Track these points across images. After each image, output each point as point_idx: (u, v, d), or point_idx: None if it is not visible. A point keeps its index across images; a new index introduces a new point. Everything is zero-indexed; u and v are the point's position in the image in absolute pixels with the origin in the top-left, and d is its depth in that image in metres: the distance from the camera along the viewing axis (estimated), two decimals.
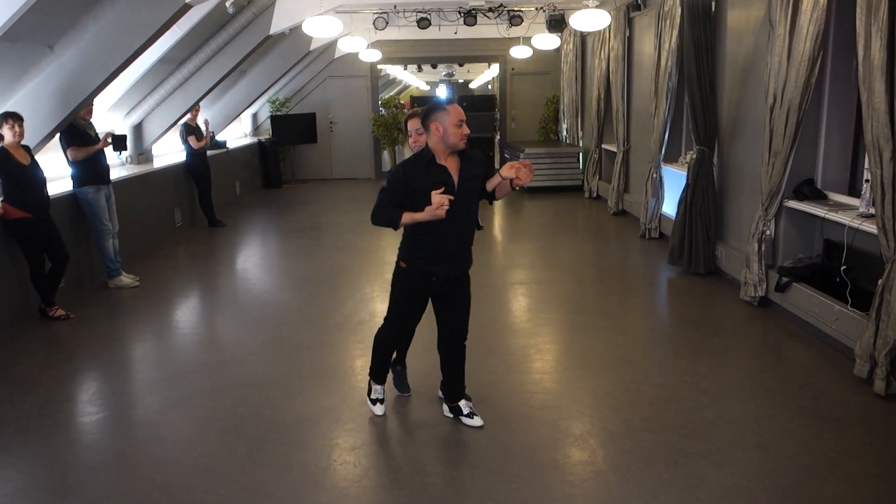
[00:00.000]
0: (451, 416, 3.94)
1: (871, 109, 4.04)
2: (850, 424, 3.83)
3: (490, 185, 3.64)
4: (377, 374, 3.99)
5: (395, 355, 4.14)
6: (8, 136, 5.45)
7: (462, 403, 3.91)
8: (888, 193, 3.98)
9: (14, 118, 5.47)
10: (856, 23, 4.14)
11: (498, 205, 11.91)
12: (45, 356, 5.12)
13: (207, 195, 9.79)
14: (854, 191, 5.29)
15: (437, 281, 3.65)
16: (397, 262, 3.72)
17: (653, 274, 7.15)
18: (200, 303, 6.77)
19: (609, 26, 9.49)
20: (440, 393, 4.08)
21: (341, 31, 9.21)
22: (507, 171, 3.49)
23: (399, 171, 3.52)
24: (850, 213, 4.81)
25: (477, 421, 3.86)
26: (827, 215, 5.00)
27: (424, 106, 3.70)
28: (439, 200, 3.36)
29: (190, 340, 5.54)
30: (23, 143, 5.63)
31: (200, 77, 9.09)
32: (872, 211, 4.39)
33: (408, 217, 3.45)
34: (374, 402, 4.00)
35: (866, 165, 4.49)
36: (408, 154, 3.82)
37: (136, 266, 7.38)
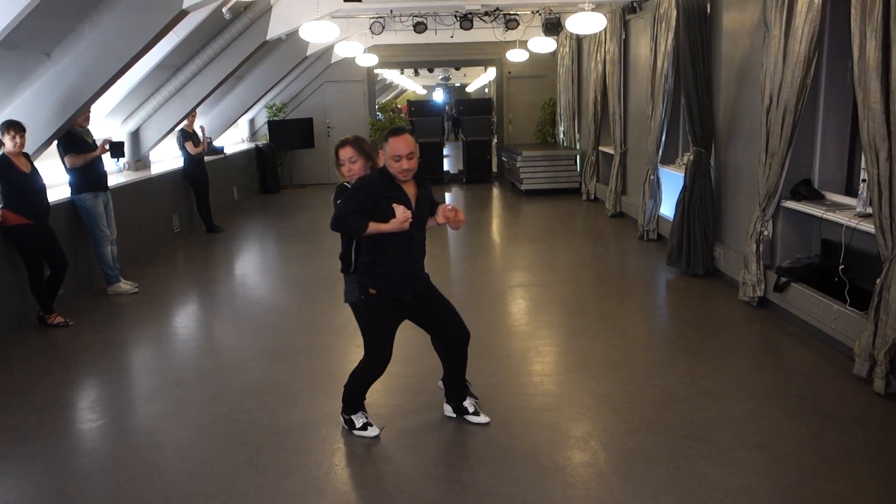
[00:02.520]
0: (455, 415, 3.95)
1: (867, 109, 4.05)
2: (851, 423, 3.83)
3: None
4: (353, 408, 3.85)
5: None
6: (9, 145, 5.46)
7: (467, 402, 3.93)
8: (885, 193, 3.99)
9: (16, 129, 5.47)
10: (850, 23, 4.16)
11: (495, 207, 11.93)
12: (43, 363, 5.11)
13: (205, 201, 9.78)
14: (851, 190, 5.30)
15: (407, 302, 3.66)
16: (361, 294, 3.67)
17: (651, 275, 7.15)
18: (199, 309, 6.76)
19: (605, 29, 9.51)
20: (440, 384, 4.09)
21: (338, 35, 9.22)
22: (441, 218, 3.69)
23: (365, 183, 3.58)
24: (848, 213, 4.82)
25: (483, 418, 3.89)
26: (824, 215, 5.01)
27: (353, 135, 3.93)
28: (403, 214, 3.46)
29: (189, 346, 5.53)
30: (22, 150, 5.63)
31: (197, 83, 9.09)
32: (870, 210, 4.40)
33: (374, 227, 3.49)
34: (363, 427, 3.81)
35: (863, 165, 4.51)
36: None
37: (135, 272, 7.37)
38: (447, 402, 4.00)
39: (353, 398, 3.84)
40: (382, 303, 3.64)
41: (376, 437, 3.78)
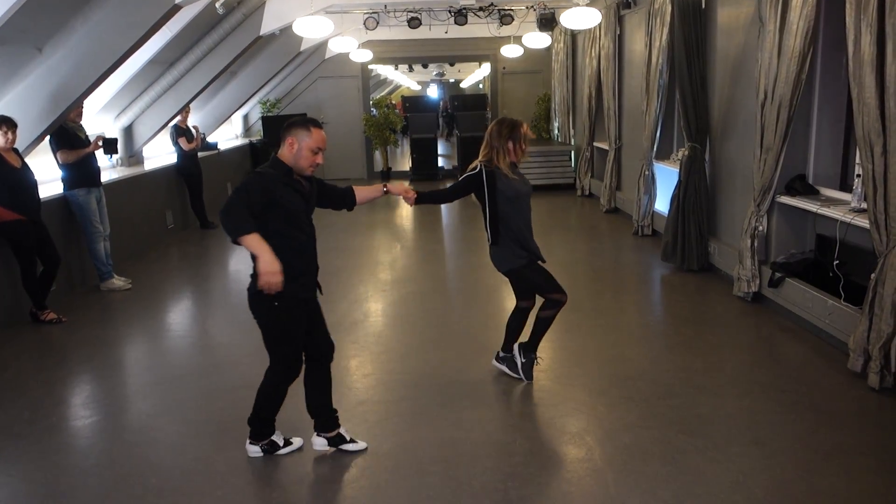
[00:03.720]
0: (332, 447, 3.59)
1: (862, 104, 4.06)
2: (845, 418, 3.84)
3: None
4: (260, 432, 3.54)
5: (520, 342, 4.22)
6: (0, 140, 5.42)
7: (342, 430, 3.63)
8: (880, 188, 4.00)
9: (8, 124, 5.45)
10: (845, 18, 4.16)
11: None
12: (36, 360, 5.08)
13: (199, 197, 9.74)
14: (846, 186, 5.31)
15: (310, 301, 3.44)
16: (266, 300, 3.22)
17: (646, 271, 7.16)
18: (193, 305, 6.74)
19: (600, 24, 9.50)
20: (316, 427, 3.64)
21: (332, 31, 9.18)
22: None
23: (261, 179, 3.21)
24: (842, 208, 4.83)
25: (360, 444, 3.62)
26: (819, 210, 5.02)
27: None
28: (270, 279, 3.09)
29: (183, 343, 5.51)
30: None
31: (191, 78, 9.04)
32: (864, 205, 4.40)
33: (255, 240, 3.05)
34: (286, 444, 3.59)
35: (857, 160, 4.51)
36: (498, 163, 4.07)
37: (128, 268, 7.33)
38: (318, 435, 3.59)
39: (263, 416, 3.52)
40: (290, 305, 3.31)
41: (299, 450, 3.59)
